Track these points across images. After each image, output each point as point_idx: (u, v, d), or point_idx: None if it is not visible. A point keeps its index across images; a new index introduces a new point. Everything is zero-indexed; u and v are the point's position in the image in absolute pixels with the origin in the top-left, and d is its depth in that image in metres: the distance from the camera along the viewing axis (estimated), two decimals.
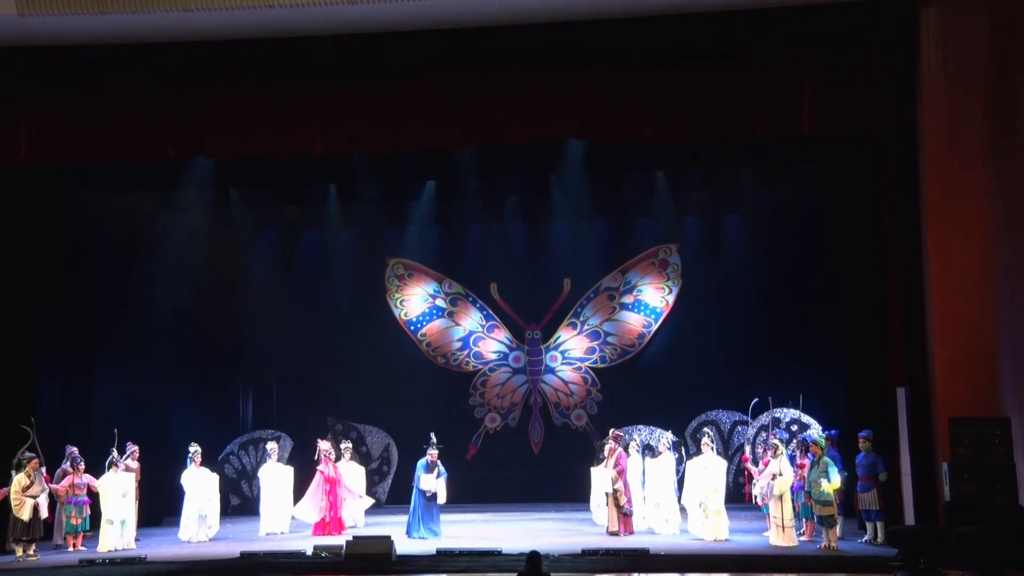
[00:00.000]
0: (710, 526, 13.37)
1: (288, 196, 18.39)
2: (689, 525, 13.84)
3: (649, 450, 16.83)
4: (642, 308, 19.19)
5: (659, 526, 14.12)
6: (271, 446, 15.98)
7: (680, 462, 14.64)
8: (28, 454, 13.27)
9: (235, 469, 18.24)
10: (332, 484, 14.86)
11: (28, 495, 13.10)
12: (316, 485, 14.89)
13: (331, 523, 14.76)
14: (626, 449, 14.47)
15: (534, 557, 7.76)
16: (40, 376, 15.81)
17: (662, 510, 14.12)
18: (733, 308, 18.34)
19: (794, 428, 16.70)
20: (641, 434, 17.33)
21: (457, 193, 18.19)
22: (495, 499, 17.95)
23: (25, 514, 13.00)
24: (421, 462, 14.33)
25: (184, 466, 14.54)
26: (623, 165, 16.73)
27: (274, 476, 15.42)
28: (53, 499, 13.72)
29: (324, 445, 15.15)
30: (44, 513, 13.34)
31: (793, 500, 13.03)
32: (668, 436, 14.51)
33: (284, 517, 15.30)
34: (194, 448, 14.51)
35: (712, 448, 13.82)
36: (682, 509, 14.10)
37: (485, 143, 14.88)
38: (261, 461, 17.36)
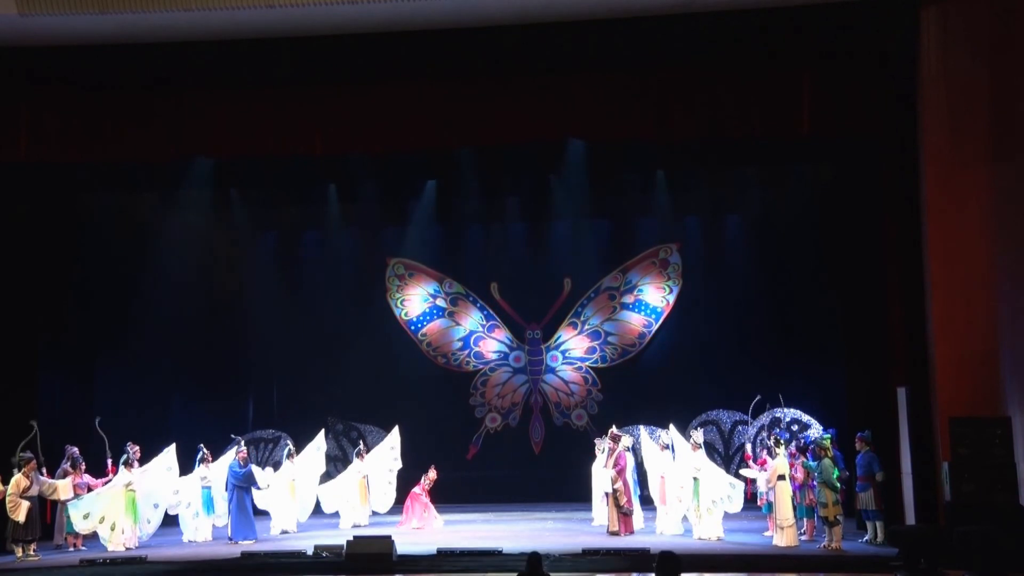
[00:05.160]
0: (707, 525, 13.40)
1: (288, 196, 18.41)
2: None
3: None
4: (643, 308, 19.19)
5: (661, 525, 14.14)
6: (291, 446, 16.08)
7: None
8: (25, 455, 13.26)
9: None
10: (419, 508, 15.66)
11: (26, 496, 13.10)
12: (414, 506, 15.55)
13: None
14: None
15: (534, 557, 7.75)
16: (41, 376, 15.82)
17: (666, 509, 14.13)
18: (733, 308, 18.34)
19: (795, 428, 16.71)
20: (641, 434, 17.32)
21: (457, 193, 18.20)
22: (495, 499, 17.96)
23: (21, 516, 13.00)
24: (232, 462, 14.35)
25: (190, 466, 14.53)
26: (623, 165, 16.75)
27: (285, 477, 15.53)
28: (49, 499, 13.74)
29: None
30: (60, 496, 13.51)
31: (793, 500, 13.04)
32: (664, 435, 14.48)
33: (292, 517, 15.44)
34: (203, 450, 14.55)
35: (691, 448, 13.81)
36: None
37: (485, 143, 14.89)
38: (262, 460, 17.38)
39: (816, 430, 16.33)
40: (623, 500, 13.89)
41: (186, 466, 14.52)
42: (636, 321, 19.21)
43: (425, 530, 15.13)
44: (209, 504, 14.39)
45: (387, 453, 16.47)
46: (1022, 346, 12.13)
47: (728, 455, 17.83)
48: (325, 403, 18.81)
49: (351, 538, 12.81)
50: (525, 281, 19.28)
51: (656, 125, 13.90)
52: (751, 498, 14.02)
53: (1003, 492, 11.54)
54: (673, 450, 14.18)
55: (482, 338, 19.46)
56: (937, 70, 12.85)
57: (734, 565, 11.98)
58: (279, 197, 18.42)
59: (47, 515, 13.94)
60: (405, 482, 16.12)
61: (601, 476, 14.75)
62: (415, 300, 19.64)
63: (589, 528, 14.91)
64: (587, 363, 19.28)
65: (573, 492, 16.61)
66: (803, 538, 13.18)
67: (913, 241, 13.31)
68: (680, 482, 13.81)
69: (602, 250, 19.24)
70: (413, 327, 19.56)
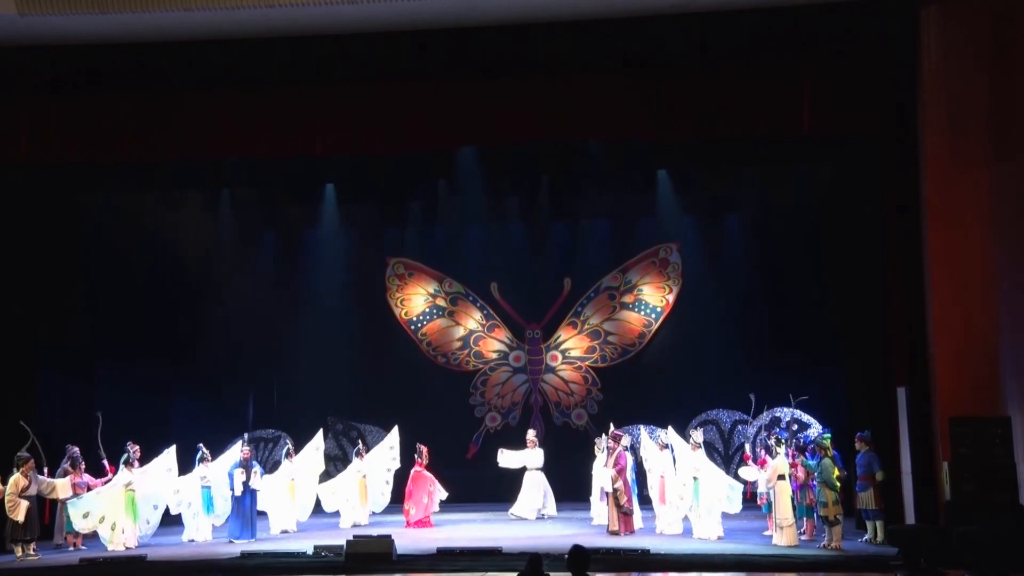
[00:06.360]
0: (707, 525, 13.40)
1: (288, 196, 18.41)
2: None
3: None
4: (642, 307, 19.18)
5: (661, 525, 14.15)
6: (289, 446, 16.08)
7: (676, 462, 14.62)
8: (24, 454, 13.27)
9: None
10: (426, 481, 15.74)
11: (25, 496, 13.11)
12: (420, 482, 15.57)
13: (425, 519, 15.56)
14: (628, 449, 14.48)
15: (534, 558, 7.76)
16: (41, 376, 15.81)
17: (666, 508, 14.13)
18: (733, 308, 18.32)
19: (794, 428, 16.70)
20: (641, 434, 17.33)
21: (457, 193, 18.21)
22: (495, 499, 17.94)
23: (20, 515, 13.01)
24: (233, 462, 14.36)
25: (189, 466, 14.52)
26: (623, 165, 16.73)
27: (284, 477, 15.52)
28: (48, 498, 13.75)
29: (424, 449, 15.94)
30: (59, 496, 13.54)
31: (792, 500, 13.04)
32: (664, 435, 14.48)
33: (292, 516, 15.43)
34: (203, 450, 14.54)
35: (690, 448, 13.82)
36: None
37: (485, 143, 14.89)
38: (263, 460, 17.39)
39: (816, 430, 16.33)
40: (623, 500, 13.89)
41: (186, 466, 14.52)
42: (636, 321, 19.21)
43: (427, 528, 15.20)
44: (209, 504, 14.39)
45: (386, 453, 16.48)
46: (1022, 346, 12.14)
47: (728, 455, 17.83)
48: (325, 403, 18.82)
49: (351, 538, 12.81)
50: (525, 281, 19.28)
51: (656, 125, 13.90)
52: (751, 498, 14.01)
53: (1003, 492, 11.54)
54: (672, 450, 14.18)
55: (482, 337, 19.46)
56: (937, 70, 12.86)
57: (734, 565, 11.97)
58: (279, 197, 18.43)
59: (45, 514, 13.93)
60: (401, 482, 16.10)
61: (601, 475, 14.76)
62: (415, 300, 19.64)
63: (589, 528, 14.91)
64: (587, 363, 19.28)
65: (573, 492, 16.60)
66: (803, 538, 13.19)
67: (913, 241, 13.31)
68: (680, 482, 13.82)
69: (602, 250, 19.22)
70: (413, 327, 19.56)
